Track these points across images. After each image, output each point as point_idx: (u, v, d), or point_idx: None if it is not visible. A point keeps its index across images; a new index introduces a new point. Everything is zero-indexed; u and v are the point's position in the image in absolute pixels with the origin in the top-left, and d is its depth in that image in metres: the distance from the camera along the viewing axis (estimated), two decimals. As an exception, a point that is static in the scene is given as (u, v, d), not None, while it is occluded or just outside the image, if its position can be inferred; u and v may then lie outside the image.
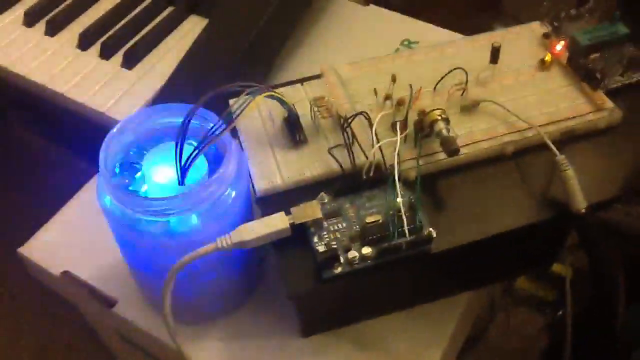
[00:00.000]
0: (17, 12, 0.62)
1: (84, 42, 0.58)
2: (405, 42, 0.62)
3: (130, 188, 0.38)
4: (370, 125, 0.39)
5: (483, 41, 0.47)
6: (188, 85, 0.52)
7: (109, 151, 0.38)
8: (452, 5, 0.94)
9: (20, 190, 1.01)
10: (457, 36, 0.60)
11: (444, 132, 0.38)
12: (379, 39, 0.62)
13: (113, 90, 0.55)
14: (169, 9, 0.61)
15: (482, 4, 1.02)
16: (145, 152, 0.39)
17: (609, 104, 0.42)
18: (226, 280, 0.42)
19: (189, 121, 0.37)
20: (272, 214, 0.37)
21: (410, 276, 0.39)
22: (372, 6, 0.67)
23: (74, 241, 0.49)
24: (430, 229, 0.36)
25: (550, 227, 0.40)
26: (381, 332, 0.42)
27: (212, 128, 0.37)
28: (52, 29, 0.60)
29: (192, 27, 0.60)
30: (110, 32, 0.59)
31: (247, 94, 0.39)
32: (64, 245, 0.48)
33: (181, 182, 0.37)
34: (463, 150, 0.39)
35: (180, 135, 0.37)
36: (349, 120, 0.39)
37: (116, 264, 0.45)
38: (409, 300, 0.42)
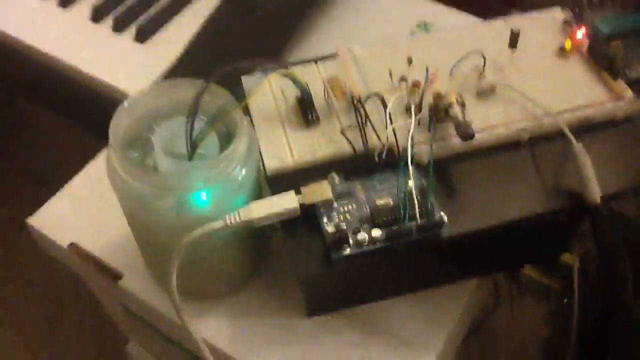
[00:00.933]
0: (30, -18, 0.61)
1: (97, 14, 0.58)
2: (421, 25, 0.61)
3: (140, 162, 0.38)
4: (384, 107, 0.39)
5: (501, 26, 0.46)
6: (200, 61, 0.52)
7: (120, 125, 0.37)
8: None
9: (31, 162, 1.02)
10: (474, 19, 0.59)
11: (460, 116, 0.37)
12: (395, 21, 0.62)
13: (125, 63, 0.54)
14: (184, -16, 0.61)
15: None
16: (156, 126, 0.39)
17: (629, 92, 0.41)
18: (233, 258, 0.42)
19: (201, 97, 0.37)
20: (281, 193, 0.36)
21: (418, 260, 0.39)
22: (388, -13, 0.66)
23: (83, 214, 0.49)
24: (442, 213, 0.35)
25: (563, 217, 0.39)
26: (386, 315, 0.42)
27: (223, 105, 0.37)
28: (66, 1, 0.59)
29: (207, 3, 0.59)
30: (124, 5, 0.59)
31: (260, 72, 0.39)
32: (72, 218, 0.49)
33: (191, 158, 0.37)
34: (478, 136, 0.39)
35: (192, 111, 0.37)
36: (363, 102, 0.39)
37: (124, 238, 0.45)
38: (417, 284, 0.42)
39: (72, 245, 0.47)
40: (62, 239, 0.47)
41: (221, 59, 0.50)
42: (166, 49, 0.55)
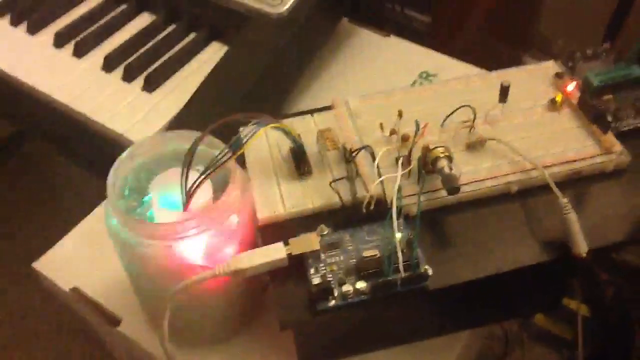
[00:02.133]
0: (48, 33, 0.64)
1: (109, 64, 0.60)
2: (424, 75, 0.62)
3: (138, 211, 0.39)
4: (374, 159, 0.39)
5: (495, 78, 0.47)
6: (203, 112, 0.53)
7: (119, 175, 0.39)
8: (478, 34, 0.93)
9: (39, 207, 1.04)
10: (476, 70, 0.60)
11: (446, 169, 0.38)
12: (398, 71, 0.63)
13: (133, 112, 0.56)
14: (192, 35, 0.63)
15: (511, 34, 1.01)
16: (154, 176, 0.40)
17: (618, 147, 0.41)
18: (226, 306, 0.42)
19: (196, 148, 0.38)
20: (273, 242, 0.37)
21: (405, 313, 0.39)
22: (392, 37, 0.67)
23: (86, 258, 0.50)
24: (427, 266, 0.35)
25: (551, 269, 0.39)
26: (379, 366, 0.42)
27: (218, 155, 0.38)
28: (80, 51, 0.62)
29: (213, 54, 0.61)
30: (134, 56, 0.61)
31: (254, 124, 0.40)
32: (76, 262, 0.50)
33: (185, 207, 0.38)
34: (466, 188, 0.39)
35: (186, 162, 0.38)
36: (353, 154, 0.40)
37: (125, 284, 0.45)
38: (407, 335, 0.41)
39: (74, 290, 0.48)
40: (65, 283, 0.48)
41: (223, 110, 0.52)
42: (173, 98, 0.57)
